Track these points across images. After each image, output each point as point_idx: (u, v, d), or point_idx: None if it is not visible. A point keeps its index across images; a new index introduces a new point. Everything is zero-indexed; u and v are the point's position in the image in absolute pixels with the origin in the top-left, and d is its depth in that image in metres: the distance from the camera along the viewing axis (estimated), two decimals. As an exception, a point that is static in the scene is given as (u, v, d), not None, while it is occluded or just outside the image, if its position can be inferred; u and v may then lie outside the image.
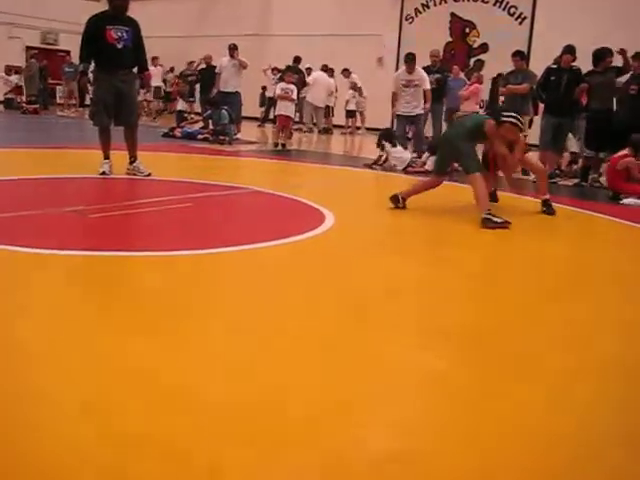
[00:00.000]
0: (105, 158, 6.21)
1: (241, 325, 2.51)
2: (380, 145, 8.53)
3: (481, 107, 9.97)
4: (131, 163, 6.30)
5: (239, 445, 1.64)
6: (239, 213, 5.08)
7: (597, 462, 1.71)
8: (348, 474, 1.56)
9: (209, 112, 11.24)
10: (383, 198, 5.36)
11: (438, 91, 9.59)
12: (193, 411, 1.80)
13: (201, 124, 11.86)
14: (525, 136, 5.98)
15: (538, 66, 8.95)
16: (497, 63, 12.02)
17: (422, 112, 9.00)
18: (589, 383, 2.20)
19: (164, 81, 17.50)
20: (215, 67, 11.44)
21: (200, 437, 1.65)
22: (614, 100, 8.04)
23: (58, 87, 19.16)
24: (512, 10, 14.84)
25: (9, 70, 18.34)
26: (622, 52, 7.75)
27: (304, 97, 12.32)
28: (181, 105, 14.54)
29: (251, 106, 15.39)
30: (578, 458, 1.72)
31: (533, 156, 6.42)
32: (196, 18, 20.63)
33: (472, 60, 15.00)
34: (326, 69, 13.69)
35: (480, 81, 10.40)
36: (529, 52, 13.45)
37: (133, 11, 6.29)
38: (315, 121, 12.92)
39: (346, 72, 15.31)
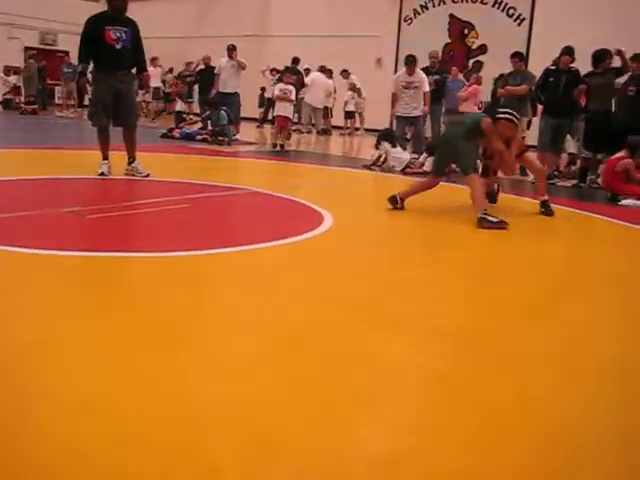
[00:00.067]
0: (104, 159, 6.21)
1: (240, 325, 2.51)
2: (377, 145, 8.55)
3: (479, 108, 9.96)
4: (130, 164, 6.30)
5: (239, 445, 1.64)
6: (238, 214, 5.08)
7: (596, 462, 1.72)
8: (348, 474, 1.56)
9: (208, 113, 11.24)
10: (381, 199, 5.36)
11: (437, 92, 9.60)
12: (193, 411, 1.80)
13: (200, 125, 11.87)
14: (523, 137, 5.99)
15: (537, 67, 8.96)
16: (496, 64, 12.03)
17: (421, 114, 9.02)
18: (587, 384, 2.21)
19: (163, 82, 17.50)
20: (214, 68, 11.44)
21: (200, 437, 1.66)
22: (613, 101, 8.05)
23: (57, 87, 19.14)
24: (511, 11, 14.86)
25: (8, 71, 18.33)
26: (619, 53, 7.77)
27: (302, 98, 12.33)
28: (180, 106, 14.55)
29: (250, 107, 15.40)
30: (577, 459, 1.73)
31: (532, 156, 6.42)
32: (195, 19, 20.64)
33: (471, 61, 15.01)
34: (324, 70, 13.70)
35: (479, 82, 10.40)
36: (528, 53, 13.49)
37: (132, 12, 6.30)
38: (314, 122, 12.93)
39: (345, 73, 15.33)
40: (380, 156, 8.47)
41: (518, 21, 14.77)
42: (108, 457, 1.55)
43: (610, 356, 2.47)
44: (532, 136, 8.99)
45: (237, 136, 11.25)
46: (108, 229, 4.10)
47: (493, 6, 15.11)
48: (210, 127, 11.13)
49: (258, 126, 15.61)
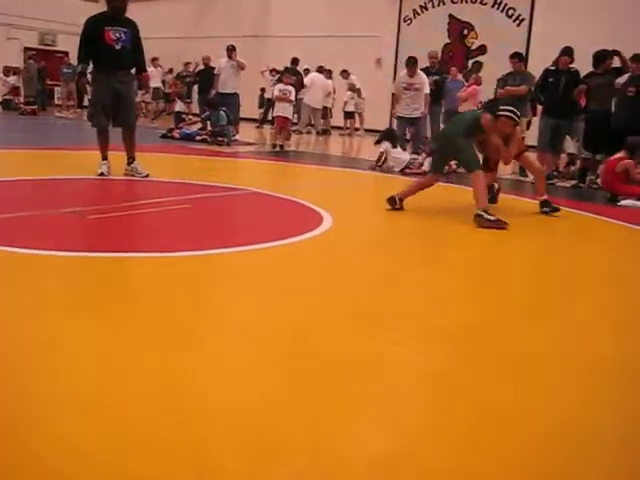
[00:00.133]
0: (103, 159, 6.21)
1: (240, 325, 2.51)
2: (378, 142, 8.56)
3: (479, 109, 9.97)
4: (129, 164, 6.30)
5: (239, 446, 1.64)
6: (237, 214, 5.09)
7: (595, 462, 1.72)
8: (348, 474, 1.57)
9: (207, 113, 11.25)
10: (381, 199, 5.36)
11: (436, 93, 9.60)
12: (193, 411, 1.80)
13: (199, 125, 11.87)
14: (523, 137, 6.00)
15: (536, 68, 8.97)
16: (495, 65, 12.04)
17: (421, 115, 9.04)
18: (587, 384, 2.21)
19: (163, 82, 17.50)
20: (214, 68, 11.45)
21: (201, 437, 1.66)
22: (613, 102, 8.06)
23: (56, 88, 19.14)
24: (510, 12, 14.87)
25: (7, 71, 18.33)
26: (617, 52, 7.77)
27: (302, 99, 12.33)
28: (179, 106, 14.54)
29: (249, 107, 15.41)
30: (576, 459, 1.73)
31: (532, 157, 6.43)
32: (194, 19, 20.65)
33: (470, 62, 15.04)
34: (322, 70, 13.70)
35: (478, 82, 10.41)
36: (527, 54, 13.49)
37: (132, 12, 6.30)
38: (313, 122, 12.93)
39: (345, 73, 15.33)
40: (382, 155, 8.48)
41: (517, 21, 14.78)
42: (108, 457, 1.55)
43: (609, 356, 2.47)
44: (532, 136, 9.00)
45: (236, 136, 11.25)
46: (108, 229, 4.10)
47: (492, 6, 15.12)
48: (209, 127, 11.13)
49: (258, 126, 15.61)
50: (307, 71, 13.67)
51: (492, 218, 4.77)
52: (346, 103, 15.46)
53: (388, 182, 7.41)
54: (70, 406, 1.78)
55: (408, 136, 9.78)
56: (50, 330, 2.33)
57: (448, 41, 15.81)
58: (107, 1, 6.05)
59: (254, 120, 16.13)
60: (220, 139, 10.57)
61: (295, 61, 13.77)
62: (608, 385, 2.24)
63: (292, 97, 10.61)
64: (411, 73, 8.85)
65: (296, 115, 13.06)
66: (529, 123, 9.60)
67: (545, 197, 5.66)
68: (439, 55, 11.83)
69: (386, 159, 8.42)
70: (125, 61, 6.10)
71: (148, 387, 1.93)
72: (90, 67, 6.20)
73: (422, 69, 9.31)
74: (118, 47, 5.97)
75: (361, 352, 2.32)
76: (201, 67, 13.06)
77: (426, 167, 7.79)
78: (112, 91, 6.03)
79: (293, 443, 1.68)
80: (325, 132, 14.98)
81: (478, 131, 5.22)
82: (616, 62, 7.88)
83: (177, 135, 11.17)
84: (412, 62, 8.84)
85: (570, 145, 8.99)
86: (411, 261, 3.93)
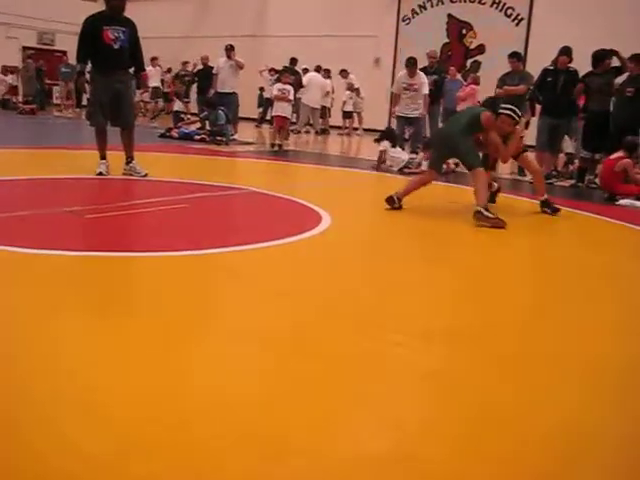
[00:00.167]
0: (102, 158, 6.20)
1: (239, 325, 2.51)
2: (377, 140, 8.57)
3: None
4: (128, 164, 6.29)
5: (239, 446, 1.64)
6: (236, 214, 5.08)
7: (595, 462, 1.72)
8: (348, 475, 1.56)
9: (206, 113, 11.24)
10: (380, 199, 5.36)
11: (435, 92, 9.60)
12: (193, 411, 1.80)
13: (198, 125, 11.86)
14: (522, 137, 6.00)
15: (535, 67, 8.96)
16: (494, 64, 12.04)
17: (420, 116, 9.04)
18: (586, 384, 2.21)
19: (162, 81, 17.48)
20: (212, 68, 11.45)
21: (200, 438, 1.65)
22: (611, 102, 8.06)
23: (55, 87, 19.11)
24: (509, 11, 14.87)
25: (5, 70, 18.31)
26: (615, 52, 7.77)
27: (300, 98, 12.33)
28: (178, 106, 14.53)
29: (248, 107, 15.38)
30: (576, 458, 1.73)
31: (530, 156, 6.42)
32: (193, 19, 20.64)
33: (469, 61, 15.05)
34: (319, 69, 13.68)
35: (477, 82, 10.41)
36: (526, 53, 13.48)
37: (130, 12, 6.28)
38: (311, 122, 12.91)
39: (344, 73, 15.32)
40: (382, 154, 8.47)
41: (516, 21, 14.78)
42: (110, 457, 1.54)
43: (609, 356, 2.47)
44: (530, 136, 8.99)
45: (235, 136, 11.25)
46: (106, 229, 4.09)
47: (491, 6, 15.12)
48: (208, 127, 11.12)
49: (256, 126, 15.60)
50: (306, 71, 13.67)
51: (491, 216, 4.77)
52: (345, 103, 15.45)
53: (387, 181, 7.41)
54: (71, 406, 1.78)
55: (407, 135, 9.79)
56: (49, 330, 2.33)
57: (447, 40, 15.80)
58: (105, 0, 6.03)
59: (253, 119, 16.12)
60: (219, 138, 10.57)
61: (294, 61, 13.75)
62: (608, 385, 2.24)
63: (291, 96, 10.61)
64: (411, 73, 8.86)
65: (295, 115, 13.06)
66: (528, 123, 9.59)
67: (545, 197, 5.67)
68: (438, 55, 11.83)
69: (385, 159, 8.42)
70: (123, 60, 6.09)
71: (148, 387, 1.92)
72: (89, 66, 6.19)
73: (421, 69, 9.30)
74: (116, 46, 5.96)
75: (361, 352, 2.32)
76: (200, 67, 13.05)
77: (424, 167, 7.78)
78: (111, 90, 6.02)
79: (293, 443, 1.67)
80: (324, 132, 14.97)
81: (478, 129, 5.22)
82: (615, 62, 7.89)
83: (176, 134, 11.15)
84: (412, 63, 8.84)
85: (568, 145, 8.99)
86: (410, 261, 3.92)
